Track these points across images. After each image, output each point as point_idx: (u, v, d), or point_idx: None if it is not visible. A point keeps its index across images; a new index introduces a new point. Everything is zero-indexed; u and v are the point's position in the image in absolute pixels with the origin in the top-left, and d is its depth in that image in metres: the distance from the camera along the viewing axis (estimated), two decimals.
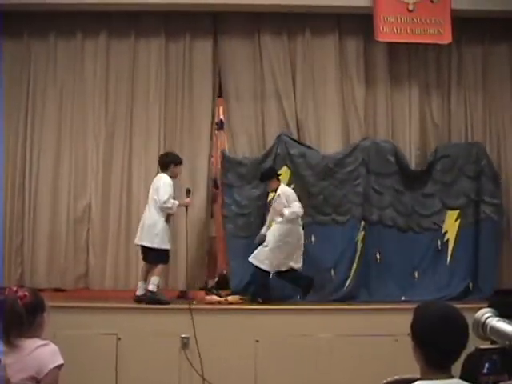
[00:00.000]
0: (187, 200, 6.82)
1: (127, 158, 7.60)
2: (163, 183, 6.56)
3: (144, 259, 6.72)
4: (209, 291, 7.05)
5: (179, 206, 6.67)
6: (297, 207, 6.76)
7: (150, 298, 6.44)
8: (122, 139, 7.60)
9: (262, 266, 6.72)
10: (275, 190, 6.93)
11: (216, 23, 7.75)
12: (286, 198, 6.81)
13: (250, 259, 6.73)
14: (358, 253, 7.24)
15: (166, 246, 6.65)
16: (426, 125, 7.82)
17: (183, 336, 6.20)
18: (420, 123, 7.80)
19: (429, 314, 2.41)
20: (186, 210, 6.78)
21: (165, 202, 6.51)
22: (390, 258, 7.24)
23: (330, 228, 7.27)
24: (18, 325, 2.92)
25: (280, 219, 6.79)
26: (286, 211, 6.71)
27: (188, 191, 6.85)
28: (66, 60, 7.64)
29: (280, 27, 7.72)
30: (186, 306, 6.34)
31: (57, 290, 7.17)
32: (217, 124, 7.93)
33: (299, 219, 6.88)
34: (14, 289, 2.98)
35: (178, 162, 6.78)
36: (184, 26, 7.71)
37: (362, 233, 7.28)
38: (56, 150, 7.57)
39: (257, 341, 6.23)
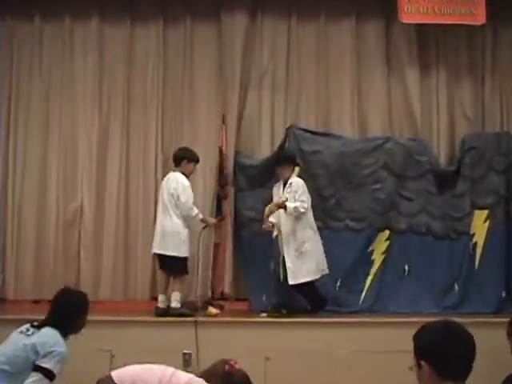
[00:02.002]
0: (213, 220, 7.02)
1: (123, 155, 7.58)
2: (182, 186, 6.58)
3: (163, 269, 6.74)
4: (208, 303, 7.02)
5: (202, 220, 6.79)
6: (302, 203, 6.64)
7: (173, 314, 6.52)
8: (117, 135, 7.58)
9: (307, 279, 6.64)
10: (286, 180, 6.82)
11: (219, 4, 7.70)
12: (296, 189, 6.71)
13: (291, 282, 6.59)
14: (377, 265, 7.22)
15: (188, 254, 6.73)
16: (456, 116, 7.78)
17: (185, 352, 6.16)
18: (449, 114, 7.77)
19: (431, 329, 2.52)
20: (204, 227, 6.89)
21: (190, 209, 6.58)
22: (424, 269, 7.19)
23: (341, 235, 7.25)
24: None
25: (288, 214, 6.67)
26: (291, 204, 6.60)
27: (221, 218, 7.16)
28: (53, 47, 7.58)
29: (289, 9, 7.73)
30: (187, 319, 6.33)
31: (39, 301, 7.11)
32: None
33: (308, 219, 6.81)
34: (233, 362, 3.20)
35: (191, 158, 6.78)
36: (184, 8, 7.70)
37: (386, 243, 7.26)
38: (43, 146, 7.54)
39: (267, 358, 6.18)
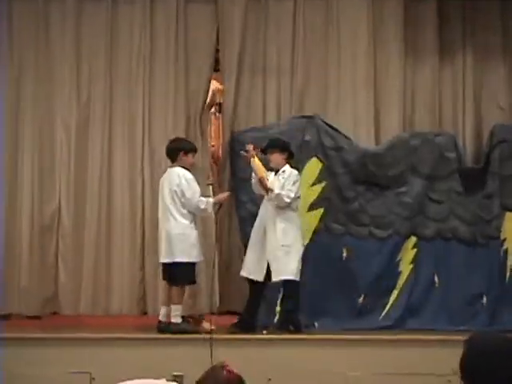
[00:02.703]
0: (224, 195, 6.84)
1: (105, 148, 7.50)
2: (185, 180, 6.50)
3: (169, 280, 6.61)
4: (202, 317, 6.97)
5: (215, 203, 6.69)
6: (288, 192, 6.52)
7: (173, 330, 6.45)
8: (99, 126, 7.51)
9: (291, 277, 6.53)
10: (277, 170, 6.68)
11: None
12: (288, 177, 6.61)
13: (275, 279, 6.55)
14: (405, 277, 7.20)
15: (200, 259, 6.67)
16: (484, 105, 7.72)
17: (175, 374, 5.83)
18: (477, 103, 7.71)
19: (485, 348, 2.39)
20: (219, 208, 6.78)
21: (198, 201, 6.48)
22: (451, 280, 7.18)
23: (365, 243, 7.24)
24: None
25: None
26: (276, 190, 6.51)
27: (233, 189, 7.03)
28: (24, 27, 7.48)
29: None
30: (177, 337, 6.31)
31: (8, 316, 7.05)
32: (217, 105, 7.88)
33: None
34: (229, 367, 3.21)
35: (187, 149, 6.69)
36: None
37: (414, 251, 7.23)
38: (13, 140, 7.43)
39: (269, 379, 6.16)
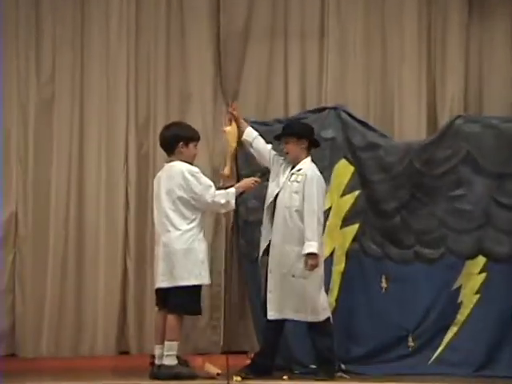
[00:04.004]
0: (249, 181, 6.63)
1: (76, 136, 7.42)
2: (190, 174, 6.30)
3: (164, 307, 6.40)
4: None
5: (238, 192, 6.51)
6: (318, 210, 6.33)
7: (165, 375, 6.26)
8: (66, 107, 7.43)
9: (320, 318, 6.33)
10: (295, 163, 6.45)
11: None
12: (309, 185, 6.31)
13: (270, 317, 6.32)
14: (467, 311, 6.96)
15: (209, 281, 6.60)
16: None
17: None
18: None
19: None
20: (241, 194, 6.59)
21: (214, 199, 6.29)
22: None
23: (411, 268, 7.07)
24: None
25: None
26: (311, 246, 6.20)
27: (263, 175, 6.79)
28: None
29: None
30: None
31: None
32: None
33: None
34: None
35: (188, 137, 6.49)
36: None
37: (481, 276, 6.96)
38: None
39: None
